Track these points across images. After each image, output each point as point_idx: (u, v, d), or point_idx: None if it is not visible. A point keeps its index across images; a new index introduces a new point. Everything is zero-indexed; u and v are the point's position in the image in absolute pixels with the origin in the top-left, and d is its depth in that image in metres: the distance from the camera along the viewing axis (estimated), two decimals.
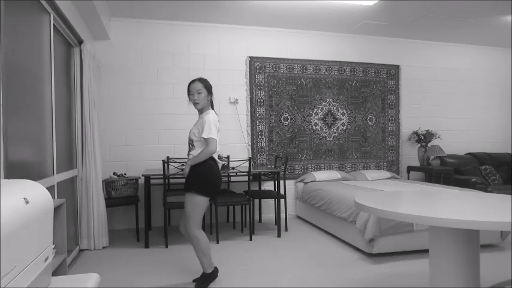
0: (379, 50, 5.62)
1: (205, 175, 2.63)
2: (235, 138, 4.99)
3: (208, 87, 2.73)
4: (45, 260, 1.38)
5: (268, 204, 5.07)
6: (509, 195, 2.34)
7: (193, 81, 2.72)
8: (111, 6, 4.26)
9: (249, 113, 5.06)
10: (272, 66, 5.14)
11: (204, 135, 2.58)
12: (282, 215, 4.82)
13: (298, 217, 5.15)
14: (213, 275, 2.72)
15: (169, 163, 4.02)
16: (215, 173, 2.68)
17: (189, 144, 2.75)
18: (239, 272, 3.05)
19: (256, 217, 4.99)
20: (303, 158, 5.26)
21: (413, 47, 5.79)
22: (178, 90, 4.82)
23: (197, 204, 2.60)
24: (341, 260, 3.31)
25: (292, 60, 5.22)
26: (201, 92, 2.67)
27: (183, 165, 3.96)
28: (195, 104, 2.69)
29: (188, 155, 2.75)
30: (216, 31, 4.96)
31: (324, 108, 5.34)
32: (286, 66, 5.19)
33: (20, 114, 2.30)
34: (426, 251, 3.30)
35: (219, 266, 3.18)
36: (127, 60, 4.67)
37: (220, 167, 2.80)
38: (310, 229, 4.49)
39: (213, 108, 2.80)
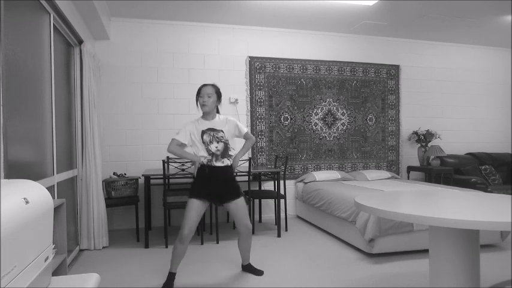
0: (379, 50, 5.62)
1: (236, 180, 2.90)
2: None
3: (218, 93, 2.82)
4: (45, 260, 1.38)
5: (268, 204, 5.07)
6: (509, 195, 2.34)
7: (205, 85, 2.78)
8: (111, 6, 4.26)
9: (249, 113, 5.06)
10: (272, 66, 5.14)
11: (246, 130, 2.91)
12: (282, 215, 4.82)
13: (298, 217, 5.15)
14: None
15: (169, 163, 4.02)
16: None
17: (225, 144, 2.77)
18: (239, 272, 3.05)
19: (256, 217, 4.99)
20: (303, 158, 5.26)
21: (413, 47, 5.79)
22: (178, 90, 4.82)
23: (245, 205, 2.85)
24: (341, 260, 3.31)
25: (292, 60, 5.22)
26: (210, 96, 2.74)
27: (183, 165, 3.96)
28: (203, 105, 2.74)
29: (224, 155, 2.77)
30: (216, 31, 4.96)
31: (324, 108, 5.34)
32: (286, 66, 5.19)
33: (20, 114, 2.30)
34: (426, 251, 3.30)
35: (219, 266, 3.19)
36: (127, 60, 4.67)
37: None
38: (310, 229, 4.49)
39: (218, 113, 2.90)
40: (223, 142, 2.77)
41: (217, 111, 2.90)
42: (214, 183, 2.74)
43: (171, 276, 2.75)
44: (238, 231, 2.88)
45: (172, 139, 2.75)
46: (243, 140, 3.00)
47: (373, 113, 5.58)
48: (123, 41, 4.66)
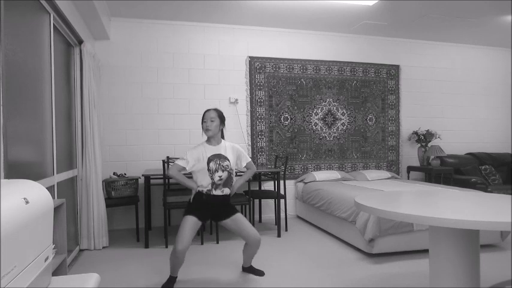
0: (379, 50, 5.62)
1: None
2: (235, 138, 4.99)
3: (221, 117, 2.82)
4: (45, 260, 1.38)
5: (268, 204, 5.07)
6: (509, 195, 2.34)
7: (208, 110, 2.81)
8: (111, 6, 4.26)
9: (249, 113, 5.06)
10: (272, 66, 5.14)
11: (249, 160, 2.93)
12: (282, 215, 4.82)
13: (298, 217, 5.15)
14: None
15: (169, 163, 4.02)
16: None
17: (229, 173, 2.77)
18: (239, 273, 3.05)
19: (256, 217, 4.99)
20: (303, 158, 5.26)
21: (413, 47, 5.79)
22: (178, 90, 4.82)
23: (244, 217, 2.84)
24: (341, 260, 3.31)
25: (292, 60, 5.22)
26: (213, 121, 2.75)
27: None
28: (206, 130, 2.75)
29: (225, 184, 2.76)
30: (216, 31, 4.96)
31: (324, 108, 5.34)
32: (286, 66, 5.19)
33: (20, 114, 2.30)
34: (426, 251, 3.30)
35: (219, 266, 3.19)
36: (127, 60, 4.67)
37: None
38: (310, 229, 4.49)
39: (223, 138, 2.90)
40: (228, 171, 2.76)
41: (222, 136, 2.89)
42: (210, 208, 2.75)
43: (172, 279, 2.75)
44: (248, 243, 2.81)
45: (174, 163, 2.73)
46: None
47: (373, 113, 5.58)
48: (123, 41, 4.66)
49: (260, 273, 2.97)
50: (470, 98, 6.10)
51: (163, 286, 2.72)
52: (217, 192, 2.72)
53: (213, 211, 2.79)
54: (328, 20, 4.83)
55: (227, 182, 2.76)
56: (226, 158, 2.75)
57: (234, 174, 2.86)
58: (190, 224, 2.64)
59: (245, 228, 2.75)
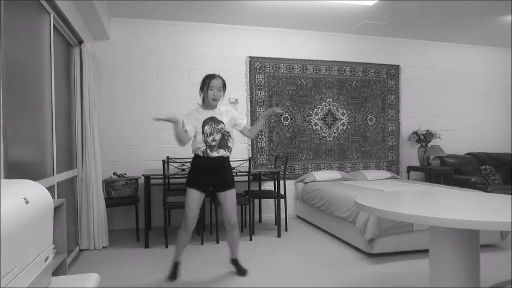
0: (379, 50, 5.62)
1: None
2: (235, 138, 4.95)
3: (225, 86, 2.86)
4: (45, 260, 1.38)
5: (268, 204, 5.06)
6: (509, 195, 2.34)
7: (214, 77, 2.78)
8: (111, 6, 4.26)
9: (249, 113, 5.06)
10: (272, 66, 5.14)
11: (245, 123, 2.96)
12: (282, 215, 4.82)
13: (298, 217, 5.15)
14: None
15: (169, 163, 4.02)
16: None
17: (223, 135, 2.79)
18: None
19: (256, 217, 4.99)
20: (303, 158, 5.26)
21: (413, 47, 5.79)
22: (178, 90, 4.82)
23: (234, 198, 2.88)
24: (341, 260, 3.31)
25: (292, 60, 5.21)
26: (220, 90, 2.80)
27: (183, 165, 3.96)
28: (214, 99, 2.77)
29: (220, 146, 2.79)
30: (216, 31, 4.96)
31: (324, 108, 5.34)
32: (286, 66, 5.19)
33: (20, 114, 2.30)
34: (426, 251, 3.30)
35: (219, 266, 3.19)
36: (127, 60, 4.67)
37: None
38: (310, 229, 4.49)
39: None
40: (222, 133, 2.80)
41: None
42: (209, 173, 2.78)
43: (176, 265, 2.81)
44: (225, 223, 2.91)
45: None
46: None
47: (373, 113, 5.58)
48: (123, 41, 4.66)
49: (242, 272, 2.95)
50: (470, 98, 6.10)
51: (169, 275, 2.77)
52: (213, 154, 2.76)
53: (214, 176, 2.79)
54: (328, 20, 4.83)
55: (221, 144, 2.79)
56: (221, 121, 2.80)
57: (231, 137, 2.87)
58: (194, 199, 2.74)
59: (224, 207, 2.83)
